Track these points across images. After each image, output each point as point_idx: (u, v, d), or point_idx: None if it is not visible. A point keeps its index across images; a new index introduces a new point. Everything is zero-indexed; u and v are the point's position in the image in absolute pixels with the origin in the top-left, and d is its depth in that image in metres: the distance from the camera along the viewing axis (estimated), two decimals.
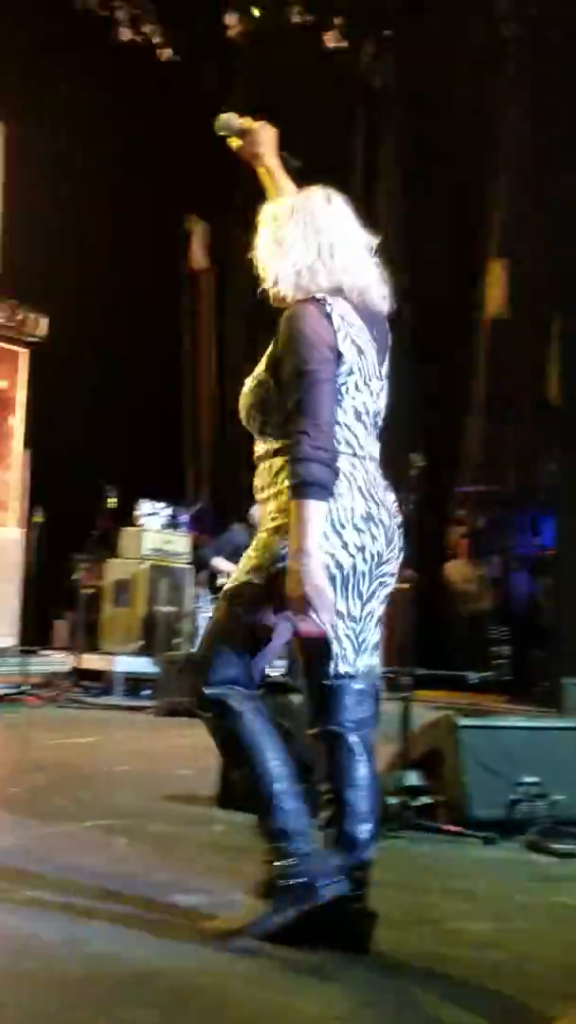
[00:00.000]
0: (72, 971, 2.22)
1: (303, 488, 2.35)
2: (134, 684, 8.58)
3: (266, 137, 2.87)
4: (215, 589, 7.95)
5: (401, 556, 2.58)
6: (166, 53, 10.51)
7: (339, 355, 2.43)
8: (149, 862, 3.18)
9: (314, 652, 2.47)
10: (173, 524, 9.52)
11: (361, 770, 2.48)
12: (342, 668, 2.47)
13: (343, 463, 2.44)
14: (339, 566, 2.43)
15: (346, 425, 2.47)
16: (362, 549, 2.45)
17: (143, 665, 8.58)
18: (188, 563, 9.30)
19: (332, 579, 2.41)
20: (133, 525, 9.21)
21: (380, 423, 2.60)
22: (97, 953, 2.33)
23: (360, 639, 2.50)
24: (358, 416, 2.50)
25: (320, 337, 2.42)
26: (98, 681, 8.60)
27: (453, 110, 9.89)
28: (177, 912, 2.66)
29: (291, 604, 2.37)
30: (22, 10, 9.31)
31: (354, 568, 2.45)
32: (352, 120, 10.93)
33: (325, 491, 2.36)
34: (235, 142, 2.88)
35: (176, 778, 4.71)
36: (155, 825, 3.66)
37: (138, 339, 10.70)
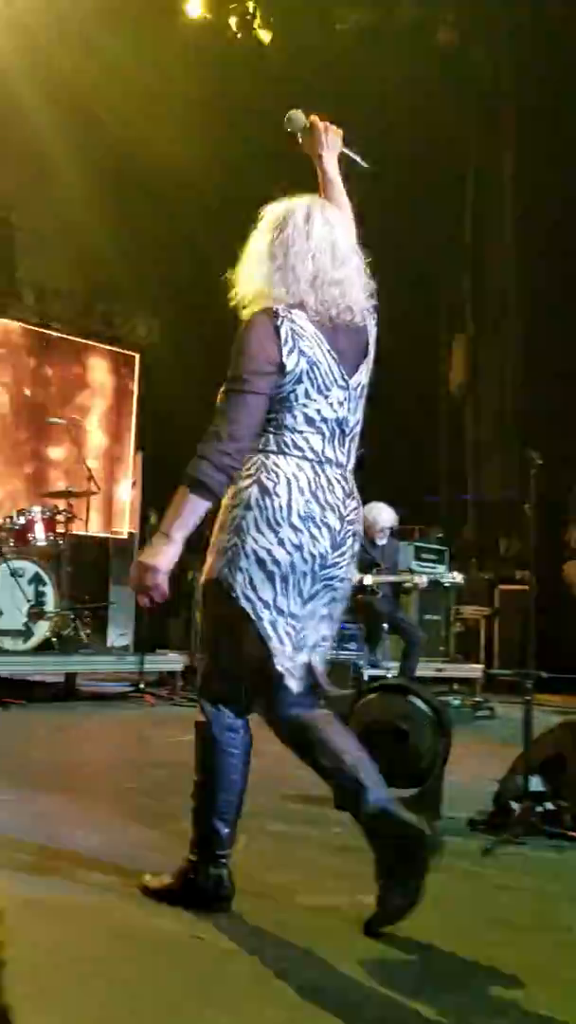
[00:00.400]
0: (200, 968, 2.24)
1: (189, 481, 2.49)
2: None
3: (330, 139, 2.92)
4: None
5: (352, 563, 2.64)
6: (270, 54, 10.58)
7: (282, 367, 2.51)
8: (269, 861, 3.19)
9: (254, 645, 2.54)
10: None
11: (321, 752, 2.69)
12: (279, 664, 2.54)
13: (288, 465, 2.53)
14: (276, 562, 2.51)
15: (297, 430, 2.56)
16: (300, 548, 2.51)
17: None
18: None
19: (271, 575, 2.50)
20: None
21: (351, 430, 2.66)
22: (224, 951, 2.35)
23: (300, 637, 2.57)
24: (311, 422, 2.57)
25: (261, 350, 2.50)
26: None
27: None
28: (299, 912, 2.65)
29: (131, 574, 2.55)
30: (126, 19, 9.46)
31: (292, 566, 2.51)
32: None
33: (208, 493, 2.48)
34: (301, 139, 2.94)
35: (292, 777, 4.70)
36: (274, 824, 3.66)
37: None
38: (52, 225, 10.40)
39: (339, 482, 2.62)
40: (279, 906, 2.70)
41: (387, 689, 3.99)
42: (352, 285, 2.60)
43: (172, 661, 8.47)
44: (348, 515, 2.60)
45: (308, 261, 2.56)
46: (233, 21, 10.31)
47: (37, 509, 7.72)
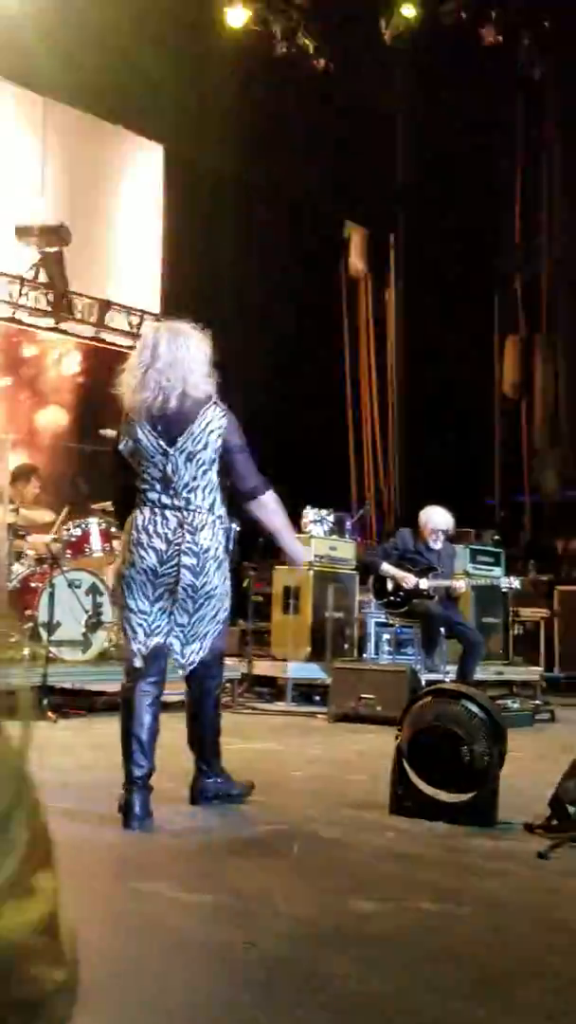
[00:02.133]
0: (250, 972, 2.24)
1: None
2: (305, 690, 8.65)
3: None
4: (383, 595, 7.92)
5: (181, 572, 3.61)
6: (321, 63, 10.60)
7: (119, 452, 3.75)
8: (322, 867, 3.19)
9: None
10: (338, 530, 9.54)
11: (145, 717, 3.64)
12: (134, 646, 3.66)
13: (138, 510, 3.68)
14: (122, 575, 3.68)
15: (141, 488, 3.69)
16: (133, 564, 3.64)
17: (313, 671, 8.63)
18: (354, 569, 9.30)
19: (125, 584, 3.66)
20: (299, 532, 9.29)
21: (182, 481, 3.65)
22: (273, 956, 2.35)
23: (152, 626, 3.66)
24: (145, 480, 3.68)
25: (117, 440, 3.79)
26: (270, 687, 8.71)
27: None
28: (353, 917, 2.65)
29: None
30: (175, 31, 9.57)
31: (133, 577, 3.63)
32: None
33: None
34: None
35: (349, 784, 4.71)
36: (329, 830, 3.66)
37: (299, 348, 10.82)
38: (108, 235, 10.52)
39: (175, 518, 3.63)
40: (330, 912, 2.70)
41: (441, 693, 3.97)
42: (155, 391, 3.59)
43: (230, 669, 8.49)
44: (175, 540, 3.61)
45: (130, 378, 3.67)
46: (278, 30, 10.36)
47: (93, 520, 7.80)
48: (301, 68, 10.60)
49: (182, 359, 3.63)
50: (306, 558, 4.17)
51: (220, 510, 3.74)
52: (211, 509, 3.68)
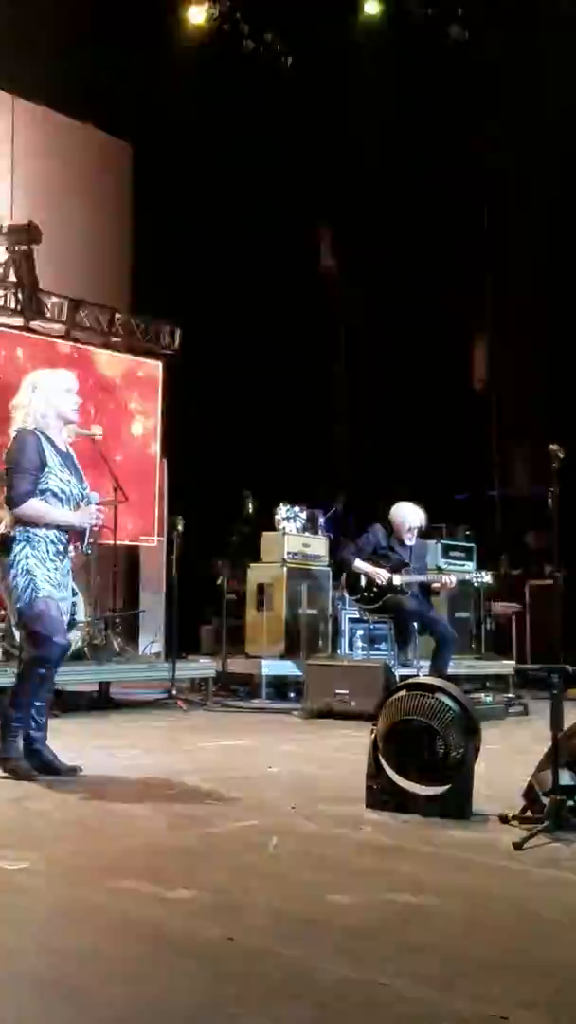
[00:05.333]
0: (230, 968, 2.26)
1: None
2: (280, 687, 8.67)
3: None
4: (356, 591, 7.95)
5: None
6: (286, 60, 10.60)
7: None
8: (301, 862, 3.21)
9: None
10: (311, 527, 9.57)
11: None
12: None
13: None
14: None
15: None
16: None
17: (287, 668, 8.66)
18: (327, 565, 9.33)
19: None
20: (272, 529, 9.31)
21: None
22: (253, 950, 2.37)
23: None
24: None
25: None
26: (244, 684, 8.73)
27: None
28: (330, 911, 2.67)
29: None
30: (139, 31, 9.55)
31: None
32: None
33: None
34: None
35: (325, 779, 4.74)
36: (306, 825, 3.68)
37: (271, 345, 10.83)
38: (77, 233, 10.50)
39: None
40: (309, 906, 2.72)
41: (415, 687, 4.00)
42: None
43: (204, 667, 8.51)
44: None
45: None
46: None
47: None
48: (268, 64, 10.60)
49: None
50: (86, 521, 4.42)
51: None
52: None
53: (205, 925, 2.53)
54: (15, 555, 4.37)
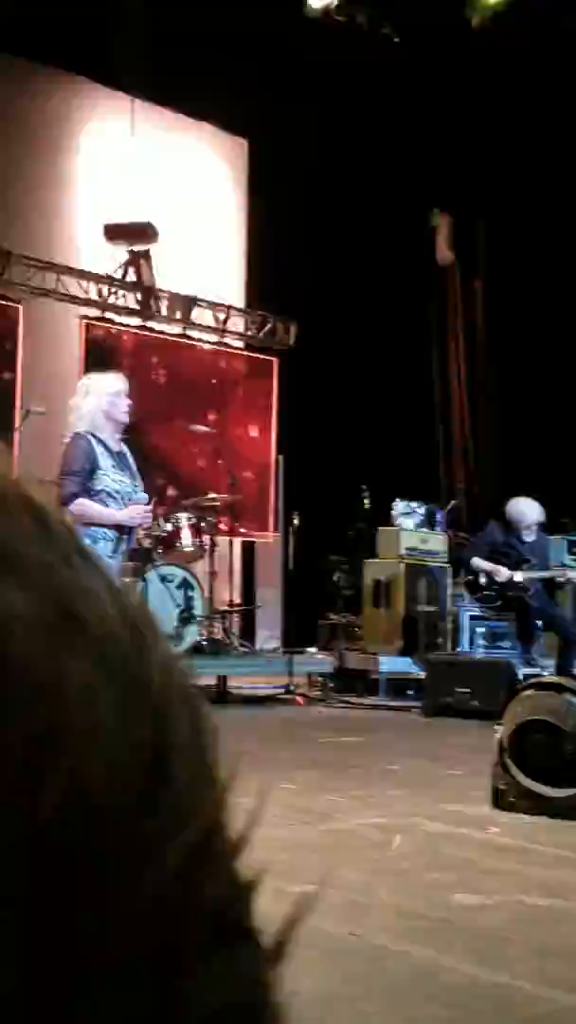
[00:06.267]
0: (355, 965, 2.21)
1: None
2: (397, 684, 8.58)
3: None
4: (475, 589, 7.81)
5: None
6: (402, 49, 10.48)
7: None
8: (426, 861, 3.13)
9: None
10: (429, 523, 9.44)
11: None
12: None
13: None
14: None
15: None
16: None
17: (406, 665, 8.56)
18: (446, 562, 9.19)
19: None
20: (389, 525, 9.22)
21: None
22: (380, 947, 2.31)
23: None
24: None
25: None
26: (362, 681, 8.66)
27: None
28: (457, 909, 2.60)
29: None
30: (257, 26, 9.56)
31: None
32: None
33: None
34: None
35: (447, 778, 4.64)
36: (430, 825, 3.61)
37: (387, 338, 10.73)
38: (193, 232, 10.60)
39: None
40: (435, 905, 2.65)
41: (542, 687, 3.88)
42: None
43: (320, 663, 8.49)
44: None
45: None
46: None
47: (183, 515, 7.85)
48: (384, 54, 10.49)
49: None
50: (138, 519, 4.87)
51: None
52: None
53: (329, 921, 2.48)
54: None
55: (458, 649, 8.80)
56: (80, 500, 4.56)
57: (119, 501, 4.65)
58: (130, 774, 0.31)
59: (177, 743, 0.33)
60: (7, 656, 0.28)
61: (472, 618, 8.79)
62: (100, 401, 4.72)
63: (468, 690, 6.95)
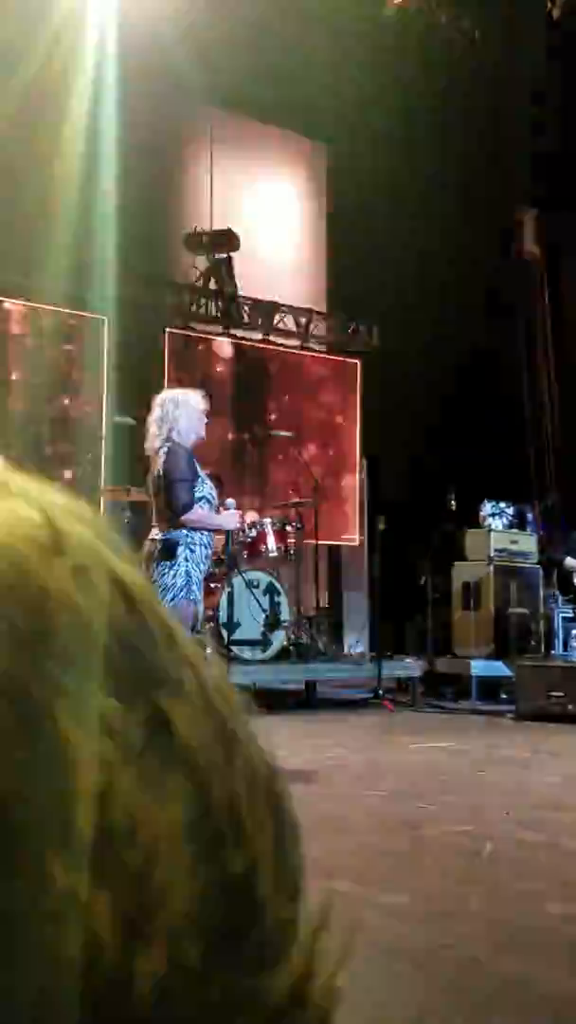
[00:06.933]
0: (443, 975, 2.15)
1: None
2: (489, 688, 8.43)
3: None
4: (569, 590, 7.63)
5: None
6: (482, 46, 10.35)
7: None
8: (519, 869, 3.05)
9: None
10: (519, 524, 9.27)
11: None
12: None
13: None
14: None
15: None
16: None
17: (497, 669, 8.40)
18: (537, 563, 9.00)
19: None
20: (477, 526, 9.08)
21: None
22: (467, 958, 2.25)
23: None
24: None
25: None
26: (453, 685, 8.54)
27: None
28: (551, 919, 2.51)
29: None
30: (331, 31, 9.53)
31: None
32: None
33: None
34: None
35: (541, 785, 4.53)
36: (523, 832, 3.51)
37: (471, 336, 10.57)
38: (274, 238, 10.62)
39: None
40: (526, 915, 2.57)
41: None
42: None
43: (409, 667, 8.39)
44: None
45: None
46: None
47: (267, 521, 7.85)
48: (464, 52, 10.36)
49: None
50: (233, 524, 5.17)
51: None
52: None
53: (419, 931, 2.43)
54: (179, 559, 4.67)
55: (552, 652, 8.62)
56: (196, 507, 4.74)
57: (213, 507, 4.86)
58: (213, 921, 0.29)
59: (261, 880, 0.31)
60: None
61: (566, 620, 8.60)
62: (191, 416, 4.90)
63: (562, 694, 6.79)
